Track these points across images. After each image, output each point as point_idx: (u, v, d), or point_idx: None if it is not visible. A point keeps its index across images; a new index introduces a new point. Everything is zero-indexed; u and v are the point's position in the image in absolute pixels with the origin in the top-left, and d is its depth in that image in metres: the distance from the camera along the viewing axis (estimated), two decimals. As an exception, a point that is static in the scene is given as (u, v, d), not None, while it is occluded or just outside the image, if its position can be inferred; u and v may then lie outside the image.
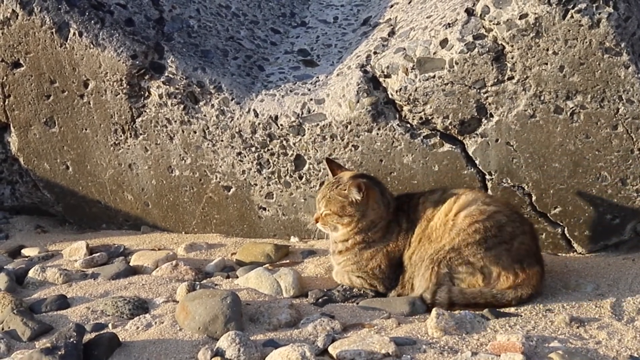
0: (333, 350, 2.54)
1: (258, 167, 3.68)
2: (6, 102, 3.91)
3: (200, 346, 2.61)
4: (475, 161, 3.38)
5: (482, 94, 3.28)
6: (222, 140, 3.69)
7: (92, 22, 3.69)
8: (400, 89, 3.37)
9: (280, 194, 3.69)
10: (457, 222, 2.91)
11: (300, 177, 3.64)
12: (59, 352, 2.47)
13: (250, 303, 2.93)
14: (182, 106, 3.69)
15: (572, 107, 3.22)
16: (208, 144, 3.72)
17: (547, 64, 3.19)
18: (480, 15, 3.25)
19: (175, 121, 3.73)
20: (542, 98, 3.23)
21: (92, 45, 3.69)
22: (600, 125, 3.22)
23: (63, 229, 4.17)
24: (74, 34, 3.69)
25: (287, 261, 3.45)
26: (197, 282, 3.16)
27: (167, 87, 3.67)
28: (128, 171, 3.88)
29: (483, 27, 3.24)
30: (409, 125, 3.42)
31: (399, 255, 3.05)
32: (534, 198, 3.36)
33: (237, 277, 3.27)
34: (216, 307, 2.73)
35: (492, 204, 2.96)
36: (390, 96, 3.42)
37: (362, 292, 3.09)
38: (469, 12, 3.29)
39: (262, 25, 4.16)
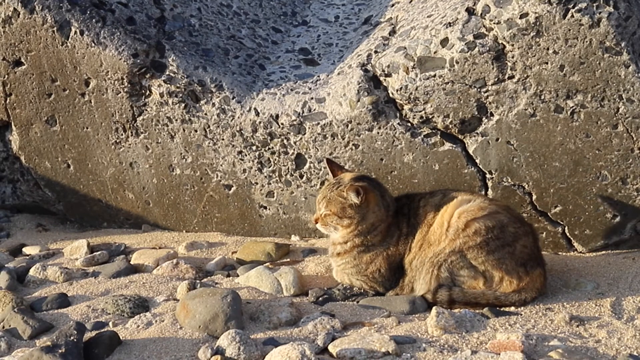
0: (333, 348, 2.54)
1: (259, 165, 3.68)
2: (7, 101, 3.92)
3: (200, 344, 2.62)
4: (476, 160, 3.38)
5: (482, 93, 3.29)
6: (223, 139, 3.69)
7: (94, 20, 3.69)
8: (401, 88, 3.37)
9: (281, 193, 3.70)
10: (452, 222, 2.90)
11: (301, 176, 3.64)
12: (60, 351, 2.48)
13: (250, 302, 2.94)
14: (183, 105, 3.69)
15: (573, 106, 3.22)
16: (209, 143, 3.72)
17: (548, 63, 3.20)
18: (481, 14, 3.25)
19: (176, 120, 3.73)
20: (542, 97, 3.23)
21: (93, 44, 3.69)
22: (601, 124, 3.22)
23: (64, 228, 4.18)
24: (75, 32, 3.70)
25: (288, 260, 3.45)
26: (198, 281, 3.17)
27: (168, 85, 3.68)
28: (129, 170, 3.89)
29: (484, 26, 3.24)
30: (409, 124, 3.42)
31: (399, 259, 3.03)
32: (534, 197, 3.36)
33: (238, 276, 3.28)
34: (216, 306, 2.73)
35: (491, 203, 2.96)
36: (390, 95, 3.42)
37: (362, 291, 3.10)
38: (470, 12, 3.29)
39: (263, 24, 4.16)
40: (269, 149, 3.64)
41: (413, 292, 2.98)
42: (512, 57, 3.22)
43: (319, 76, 3.74)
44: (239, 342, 2.53)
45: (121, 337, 2.69)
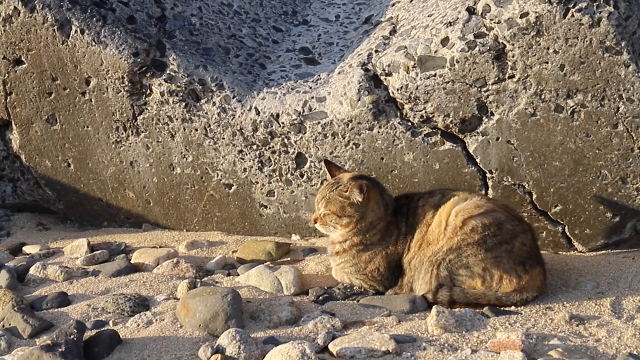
0: (333, 347, 2.54)
1: (259, 165, 3.68)
2: (8, 100, 3.92)
3: (200, 343, 2.62)
4: (476, 159, 3.38)
5: (482, 93, 3.29)
6: (223, 138, 3.69)
7: (94, 19, 3.69)
8: (401, 87, 3.37)
9: (281, 192, 3.70)
10: (449, 220, 2.90)
11: (302, 175, 3.65)
12: (60, 349, 2.48)
13: (250, 300, 2.94)
14: (183, 104, 3.70)
15: (573, 106, 3.22)
16: (209, 142, 3.72)
17: (548, 62, 3.20)
18: (482, 13, 3.26)
19: (177, 119, 3.73)
20: (542, 97, 3.24)
21: (93, 43, 3.69)
22: (601, 123, 3.22)
23: (64, 227, 4.18)
24: (76, 31, 3.70)
25: (288, 259, 3.46)
26: (198, 280, 3.17)
27: (169, 84, 3.68)
28: (129, 169, 3.89)
29: (484, 25, 3.24)
30: (409, 123, 3.43)
31: (398, 258, 3.04)
32: (534, 196, 3.37)
33: (238, 275, 3.28)
34: (217, 305, 2.74)
35: (488, 201, 2.96)
36: (391, 94, 3.42)
37: (362, 290, 3.10)
38: (470, 11, 3.29)
39: (264, 23, 4.16)
40: (269, 148, 3.64)
41: (412, 291, 2.98)
42: (513, 57, 3.22)
43: (319, 75, 3.74)
44: (239, 341, 2.53)
45: (121, 336, 2.69)
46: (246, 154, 3.69)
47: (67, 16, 3.70)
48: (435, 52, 3.32)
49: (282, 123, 3.58)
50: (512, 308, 2.83)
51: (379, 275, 3.05)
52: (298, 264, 3.37)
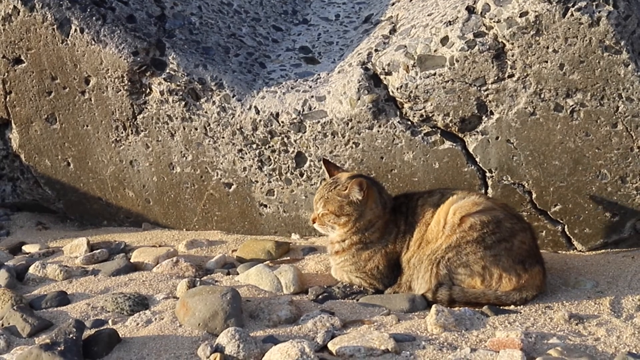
0: (332, 346, 2.54)
1: (259, 164, 3.68)
2: (7, 99, 3.92)
3: (200, 342, 2.62)
4: (476, 158, 3.38)
5: (482, 92, 3.29)
6: (223, 137, 3.69)
7: (94, 18, 3.69)
8: (401, 87, 3.37)
9: (281, 191, 3.70)
10: (448, 219, 2.90)
11: (301, 174, 3.65)
12: (59, 348, 2.48)
13: (250, 299, 2.94)
14: (183, 103, 3.70)
15: (572, 105, 3.22)
16: (209, 141, 3.72)
17: (547, 61, 3.20)
18: (481, 13, 3.26)
19: (177, 118, 3.73)
20: (542, 96, 3.24)
21: (93, 42, 3.69)
22: (600, 123, 3.22)
23: (64, 226, 4.18)
24: (76, 30, 3.70)
25: (288, 258, 3.46)
26: (198, 279, 3.17)
27: (169, 83, 3.68)
28: (129, 168, 3.89)
29: (484, 24, 3.24)
30: (409, 122, 3.43)
31: (397, 257, 3.04)
32: (534, 195, 3.37)
33: (238, 274, 3.28)
34: (216, 304, 2.74)
35: (487, 200, 2.96)
36: (391, 93, 3.42)
37: (361, 288, 3.10)
38: (470, 10, 3.29)
39: (264, 22, 4.16)
40: (269, 147, 3.64)
41: (410, 290, 2.98)
42: (512, 56, 3.22)
43: (319, 74, 3.74)
44: (239, 339, 2.53)
45: (120, 335, 2.70)
46: (246, 153, 3.69)
47: (67, 15, 3.70)
48: (435, 51, 3.32)
49: (282, 122, 3.59)
50: (512, 307, 2.83)
51: (378, 273, 3.05)
52: (297, 263, 3.37)
